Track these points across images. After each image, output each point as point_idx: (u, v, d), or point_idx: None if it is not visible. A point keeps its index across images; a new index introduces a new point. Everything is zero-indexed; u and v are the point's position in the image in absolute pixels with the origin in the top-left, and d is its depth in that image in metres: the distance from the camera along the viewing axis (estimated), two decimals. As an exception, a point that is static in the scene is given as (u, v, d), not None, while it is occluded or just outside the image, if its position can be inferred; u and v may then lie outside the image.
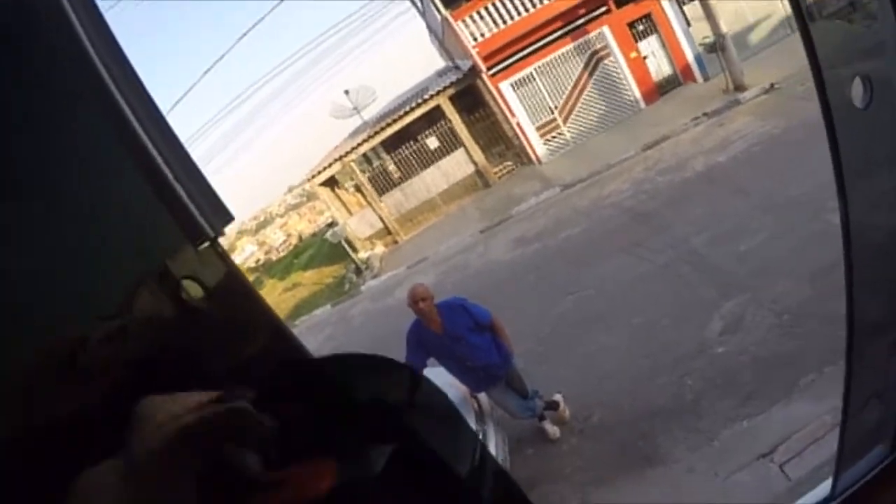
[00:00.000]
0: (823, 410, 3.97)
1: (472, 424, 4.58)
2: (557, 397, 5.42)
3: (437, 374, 4.80)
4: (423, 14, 20.06)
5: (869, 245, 0.80)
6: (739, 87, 13.46)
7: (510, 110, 16.79)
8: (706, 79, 15.80)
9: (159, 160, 0.63)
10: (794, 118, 9.88)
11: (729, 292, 5.98)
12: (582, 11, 16.08)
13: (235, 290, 0.69)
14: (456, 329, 4.55)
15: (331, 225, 19.24)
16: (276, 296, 22.48)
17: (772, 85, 12.62)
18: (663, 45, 16.33)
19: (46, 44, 0.60)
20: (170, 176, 0.62)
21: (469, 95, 17.39)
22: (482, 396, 5.07)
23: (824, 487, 0.98)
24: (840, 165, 0.75)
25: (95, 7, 0.64)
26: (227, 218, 0.67)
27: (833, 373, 4.22)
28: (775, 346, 4.90)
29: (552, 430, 5.23)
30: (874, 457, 0.94)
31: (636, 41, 16.29)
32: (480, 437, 4.53)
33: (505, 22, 15.98)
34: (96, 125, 0.63)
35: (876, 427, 0.93)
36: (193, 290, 0.63)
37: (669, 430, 4.65)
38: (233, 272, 0.68)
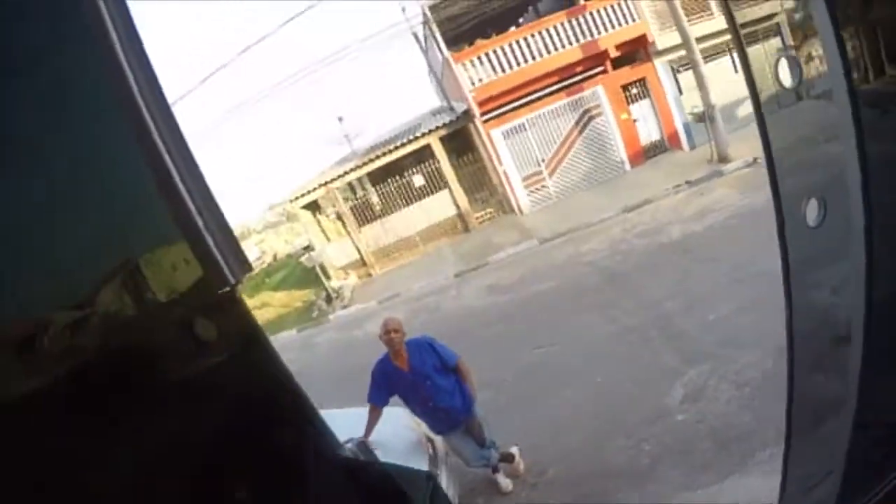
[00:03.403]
0: (777, 485, 3.86)
1: (425, 468, 4.46)
2: (514, 450, 5.33)
3: (396, 416, 4.83)
4: (425, 52, 20.37)
5: (809, 335, 0.84)
6: (723, 159, 13.73)
7: (499, 158, 16.92)
8: (692, 147, 16.12)
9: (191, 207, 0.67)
10: (774, 195, 9.99)
11: (693, 360, 5.94)
12: (579, 69, 16.48)
13: (247, 336, 0.77)
14: (423, 367, 4.57)
15: (307, 248, 19.03)
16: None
17: (755, 159, 12.86)
18: (654, 110, 16.69)
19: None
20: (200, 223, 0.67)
21: (460, 138, 17.52)
22: (438, 440, 4.98)
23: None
24: (788, 276, 0.81)
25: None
26: (247, 268, 0.73)
27: (790, 450, 4.14)
28: (735, 417, 4.86)
29: (505, 482, 5.14)
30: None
31: (628, 103, 16.65)
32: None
33: (504, 70, 16.27)
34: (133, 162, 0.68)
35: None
36: (207, 330, 0.70)
37: (623, 494, 4.56)
38: (247, 320, 0.76)
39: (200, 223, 0.66)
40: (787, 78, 0.69)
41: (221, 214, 0.70)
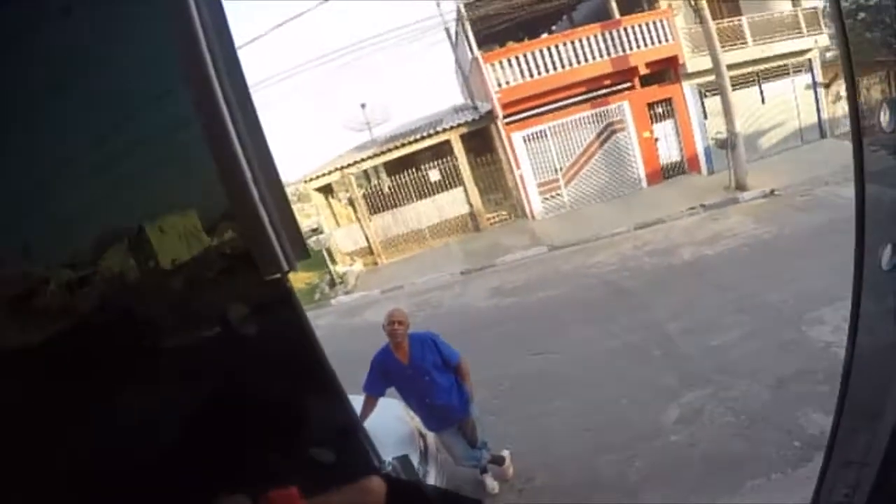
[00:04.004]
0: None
1: (415, 462, 4.45)
2: (505, 453, 5.32)
3: (388, 406, 4.78)
4: (454, 48, 20.32)
5: (866, 368, 0.87)
6: (741, 187, 13.71)
7: (517, 161, 16.89)
8: (711, 172, 16.13)
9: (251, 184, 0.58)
10: (787, 227, 10.03)
11: (692, 383, 5.93)
12: (607, 82, 16.44)
13: (290, 324, 0.69)
14: (423, 362, 4.55)
15: (315, 231, 19.02)
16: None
17: (772, 190, 12.86)
18: (677, 132, 16.64)
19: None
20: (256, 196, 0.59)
21: (480, 138, 17.50)
22: (430, 436, 4.97)
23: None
24: (858, 310, 0.85)
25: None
26: (304, 255, 0.66)
27: (780, 480, 4.18)
28: (728, 444, 4.85)
29: (492, 484, 5.13)
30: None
31: (652, 122, 16.60)
32: (420, 476, 4.41)
33: (532, 75, 16.23)
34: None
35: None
36: (243, 318, 0.64)
37: (607, 508, 4.53)
38: (294, 309, 0.68)
39: (257, 196, 0.56)
40: (886, 121, 0.72)
41: (283, 191, 0.61)
